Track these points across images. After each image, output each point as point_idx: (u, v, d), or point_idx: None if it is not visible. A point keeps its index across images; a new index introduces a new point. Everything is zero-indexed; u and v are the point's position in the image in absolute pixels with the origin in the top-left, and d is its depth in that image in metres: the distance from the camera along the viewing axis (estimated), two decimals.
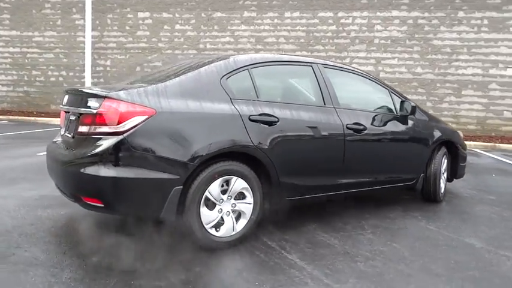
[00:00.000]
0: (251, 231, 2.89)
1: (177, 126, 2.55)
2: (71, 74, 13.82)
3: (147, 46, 13.30)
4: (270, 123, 2.89)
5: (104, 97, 2.48)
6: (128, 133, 2.41)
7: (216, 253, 2.70)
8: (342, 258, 2.71)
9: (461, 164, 4.53)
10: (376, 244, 2.99)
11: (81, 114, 2.67)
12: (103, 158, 2.40)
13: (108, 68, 13.55)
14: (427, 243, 3.07)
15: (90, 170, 2.42)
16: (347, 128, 3.32)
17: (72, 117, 2.84)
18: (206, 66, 2.89)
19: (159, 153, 2.47)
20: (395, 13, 11.74)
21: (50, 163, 3.02)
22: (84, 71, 13.11)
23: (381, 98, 3.89)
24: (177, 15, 12.99)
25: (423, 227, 3.46)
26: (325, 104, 3.30)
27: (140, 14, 13.19)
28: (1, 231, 2.99)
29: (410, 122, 3.88)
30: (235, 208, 2.79)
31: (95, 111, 2.49)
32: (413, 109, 3.72)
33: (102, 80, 13.54)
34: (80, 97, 2.71)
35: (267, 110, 2.91)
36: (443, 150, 4.24)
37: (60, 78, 13.91)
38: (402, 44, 11.76)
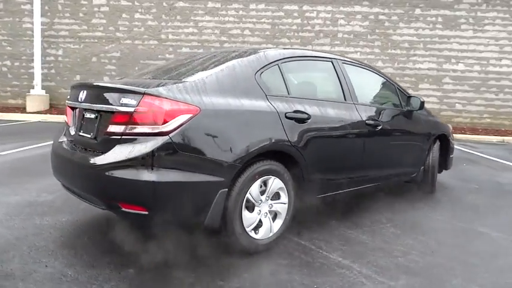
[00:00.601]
0: (285, 231, 2.82)
1: (220, 124, 2.39)
2: (16, 63, 12.67)
3: (104, 35, 12.53)
4: (303, 121, 2.81)
5: (143, 93, 2.26)
6: (173, 133, 2.21)
7: (256, 256, 2.59)
8: (380, 254, 2.72)
9: (450, 156, 4.76)
10: (403, 238, 3.05)
11: (104, 112, 2.43)
12: (147, 161, 2.18)
13: (60, 58, 12.60)
14: (447, 234, 3.18)
15: (133, 175, 2.19)
16: (366, 124, 3.33)
17: (91, 115, 2.58)
18: (238, 60, 2.74)
19: (204, 155, 2.31)
20: (357, 8, 12.06)
21: (62, 167, 2.72)
22: (32, 60, 12.11)
23: (388, 94, 3.96)
24: (136, 3, 12.35)
25: (434, 218, 3.58)
26: (345, 100, 3.29)
27: (95, 1, 12.36)
28: (4, 244, 2.65)
29: (414, 117, 4.00)
30: (272, 209, 2.70)
31: (131, 109, 2.25)
32: (422, 104, 3.83)
33: (53, 70, 12.57)
34: (107, 93, 2.45)
35: (299, 107, 2.83)
36: (438, 143, 4.43)
37: (4, 69, 12.71)
38: (364, 39, 12.13)
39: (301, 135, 2.79)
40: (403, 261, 2.63)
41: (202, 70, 2.68)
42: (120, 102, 2.32)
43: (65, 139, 2.89)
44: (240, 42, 12.23)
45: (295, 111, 2.78)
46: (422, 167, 4.19)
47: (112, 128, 2.34)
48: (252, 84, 2.67)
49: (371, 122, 3.38)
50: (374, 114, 3.48)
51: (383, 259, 2.64)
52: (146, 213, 2.23)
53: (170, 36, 12.45)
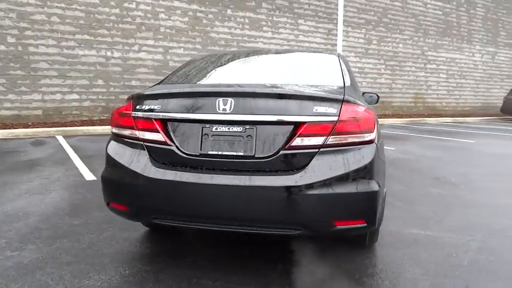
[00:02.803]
0: None
1: (379, 127, 2.43)
2: None
3: None
4: None
5: (342, 101, 2.10)
6: (376, 140, 2.17)
7: (382, 249, 2.76)
8: (460, 217, 3.36)
9: None
10: (438, 206, 3.78)
11: (267, 123, 2.08)
12: (366, 171, 2.07)
13: None
14: (450, 202, 4.08)
15: (355, 188, 2.03)
16: None
17: (233, 129, 2.09)
18: (341, 62, 2.78)
19: (381, 158, 2.32)
20: (177, 3, 12.05)
21: (193, 198, 2.08)
22: None
23: None
24: None
25: (415, 186, 4.49)
26: None
27: None
28: None
29: None
30: None
31: (334, 118, 2.05)
32: (378, 99, 4.61)
33: None
34: (286, 101, 2.10)
35: None
36: None
37: None
38: (186, 35, 12.29)
39: None
40: (477, 219, 3.36)
41: (322, 73, 2.62)
42: (314, 111, 2.04)
43: (154, 163, 2.15)
44: (47, 31, 10.18)
45: None
46: None
47: (301, 141, 2.04)
48: (356, 85, 2.76)
49: None
50: None
51: (470, 219, 3.30)
52: (364, 225, 2.09)
53: None
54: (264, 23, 13.74)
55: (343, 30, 15.13)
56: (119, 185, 2.24)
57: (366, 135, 2.10)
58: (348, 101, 2.12)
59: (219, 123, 2.12)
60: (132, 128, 2.26)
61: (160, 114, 2.18)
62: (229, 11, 12.99)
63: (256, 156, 2.06)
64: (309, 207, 2.00)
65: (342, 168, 2.02)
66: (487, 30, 20.07)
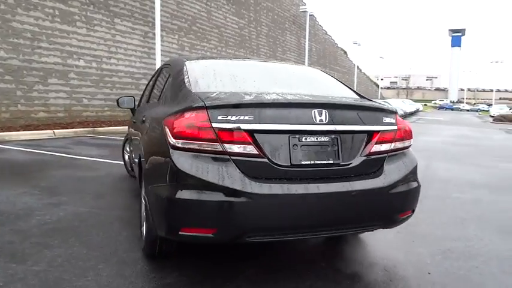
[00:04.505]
0: None
1: None
2: None
3: None
4: None
5: (395, 112, 2.48)
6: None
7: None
8: None
9: None
10: None
11: (348, 132, 2.28)
12: (415, 170, 2.49)
13: None
14: None
15: (411, 185, 2.42)
16: None
17: (322, 139, 2.19)
18: (329, 75, 3.16)
19: None
20: None
21: (298, 210, 2.09)
22: None
23: None
24: None
25: None
26: None
27: None
28: None
29: None
30: None
31: (394, 127, 2.40)
32: None
33: None
34: (365, 112, 2.33)
35: None
36: None
37: None
38: None
39: None
40: None
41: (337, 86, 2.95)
42: (383, 121, 2.37)
43: (249, 177, 2.00)
44: None
45: None
46: None
47: (377, 148, 2.33)
48: None
49: None
50: None
51: None
52: (411, 214, 2.52)
53: None
54: (77, 17, 12.25)
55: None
56: (206, 206, 1.93)
57: (408, 141, 2.53)
58: (397, 112, 2.51)
59: (313, 133, 2.14)
60: (213, 140, 1.98)
61: (251, 125, 2.02)
62: None
63: (341, 163, 2.20)
64: (390, 204, 2.32)
65: (405, 169, 2.40)
66: (269, 46, 23.78)
